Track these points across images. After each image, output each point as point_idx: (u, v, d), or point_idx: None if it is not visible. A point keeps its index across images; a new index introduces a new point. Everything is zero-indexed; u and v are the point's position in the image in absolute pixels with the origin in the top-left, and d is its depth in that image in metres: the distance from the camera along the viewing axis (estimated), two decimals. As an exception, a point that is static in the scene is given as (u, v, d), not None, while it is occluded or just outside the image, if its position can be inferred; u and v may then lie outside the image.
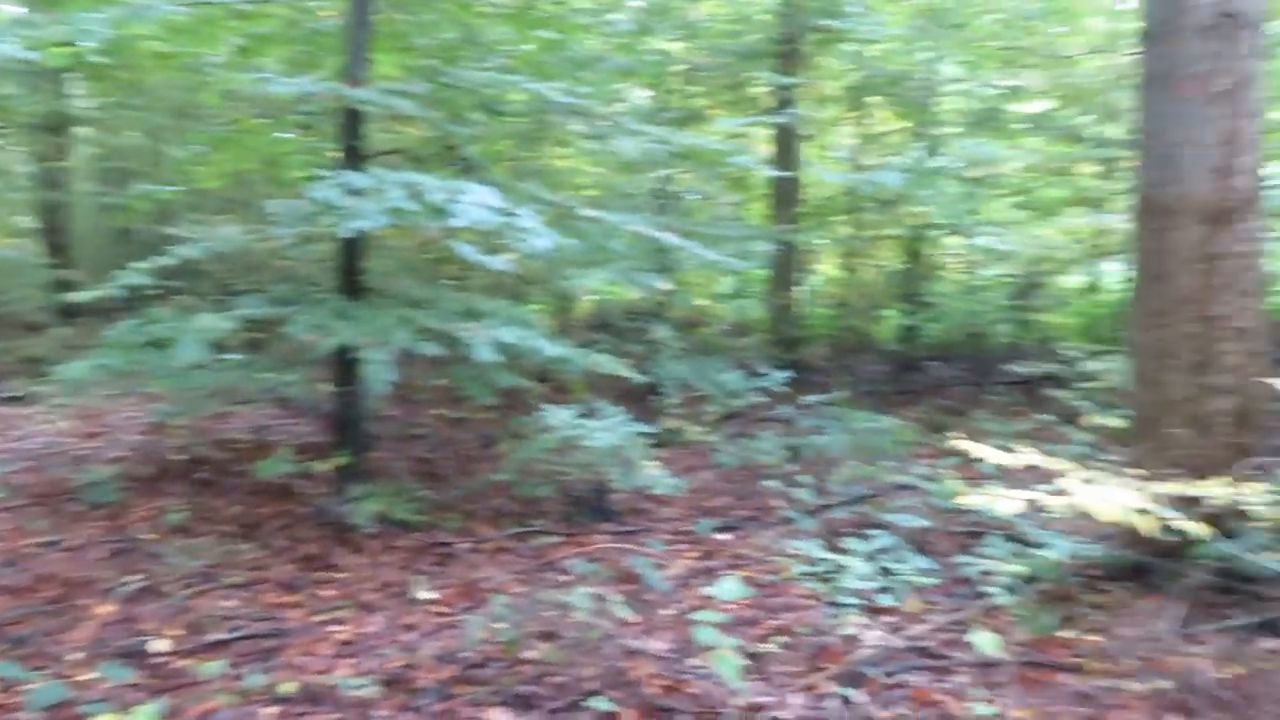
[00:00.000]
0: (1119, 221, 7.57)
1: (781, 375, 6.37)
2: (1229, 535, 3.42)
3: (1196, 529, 3.06)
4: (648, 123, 6.41)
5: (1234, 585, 3.50)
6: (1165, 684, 3.06)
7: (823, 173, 9.06)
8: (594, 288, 8.16)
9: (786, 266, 9.27)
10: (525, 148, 7.49)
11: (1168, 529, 3.05)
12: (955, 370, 9.00)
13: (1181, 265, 3.76)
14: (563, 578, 4.09)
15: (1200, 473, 3.44)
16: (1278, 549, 3.35)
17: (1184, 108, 3.72)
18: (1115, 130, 8.25)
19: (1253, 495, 3.20)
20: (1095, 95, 8.03)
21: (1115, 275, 8.84)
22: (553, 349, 4.59)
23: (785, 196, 9.15)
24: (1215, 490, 3.22)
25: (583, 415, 4.94)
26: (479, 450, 6.21)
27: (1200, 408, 3.73)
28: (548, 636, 3.39)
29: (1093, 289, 9.33)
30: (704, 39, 8.99)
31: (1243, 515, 3.31)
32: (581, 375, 5.61)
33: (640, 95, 9.39)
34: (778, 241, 8.55)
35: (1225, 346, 3.72)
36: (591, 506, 4.93)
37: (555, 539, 4.65)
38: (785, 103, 8.35)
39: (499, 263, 4.22)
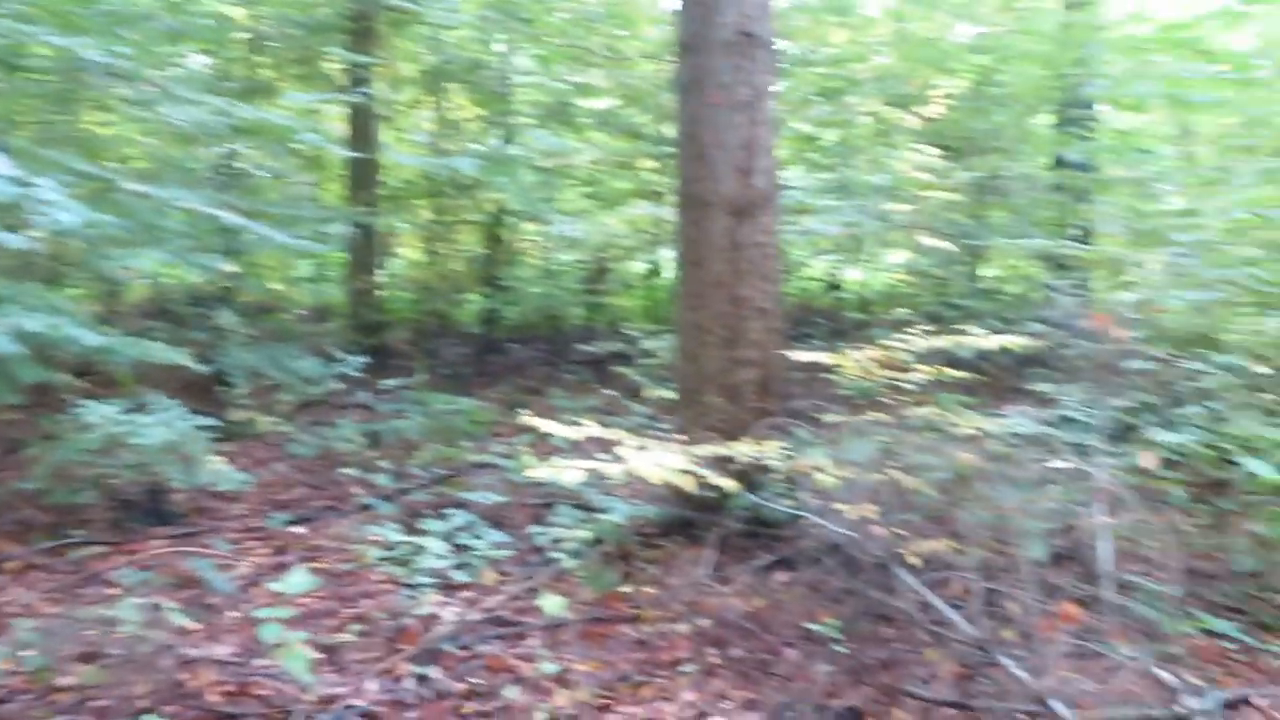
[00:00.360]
0: (672, 213, 8.35)
1: (360, 360, 6.23)
2: (754, 488, 3.94)
3: (728, 484, 3.47)
4: (206, 92, 5.91)
5: (758, 530, 4.05)
6: (705, 622, 3.47)
7: (399, 155, 8.96)
8: (146, 270, 7.38)
9: (366, 250, 9.06)
10: (55, 111, 6.56)
11: (706, 486, 3.42)
12: (533, 351, 9.38)
13: (714, 253, 4.25)
14: (109, 591, 3.68)
15: (732, 435, 3.92)
16: (791, 496, 3.92)
17: (713, 114, 4.19)
18: (669, 129, 9.06)
19: (771, 452, 3.70)
20: (651, 97, 8.75)
21: (671, 261, 9.75)
22: (94, 338, 4.10)
23: (363, 178, 8.93)
24: (742, 449, 3.68)
25: (132, 410, 4.47)
26: (0, 457, 5.37)
27: (731, 378, 4.25)
28: (89, 657, 3.04)
29: (653, 274, 10.19)
30: (269, 6, 8.46)
31: (764, 469, 3.84)
32: (131, 367, 5.07)
33: (198, 62, 8.61)
34: (356, 224, 8.33)
35: (750, 324, 4.27)
36: (145, 510, 4.48)
37: (100, 549, 4.17)
38: (360, 81, 8.12)
39: (18, 240, 3.68)
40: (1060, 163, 7.99)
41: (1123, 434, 4.03)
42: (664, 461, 3.42)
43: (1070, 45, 7.23)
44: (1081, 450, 3.56)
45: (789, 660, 3.20)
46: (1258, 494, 4.13)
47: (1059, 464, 3.40)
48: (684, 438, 3.93)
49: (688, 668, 3.19)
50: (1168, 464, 3.86)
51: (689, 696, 3.02)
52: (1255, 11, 6.42)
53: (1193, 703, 2.79)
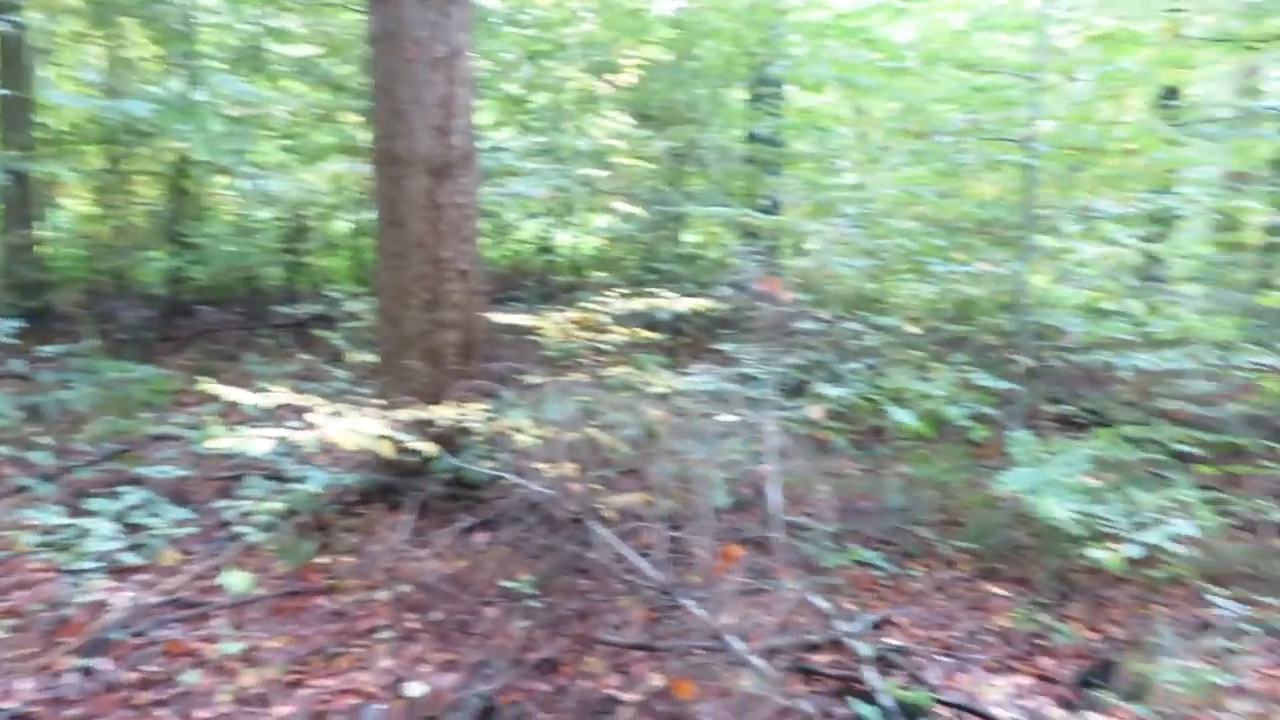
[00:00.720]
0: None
1: (14, 325, 5.52)
2: (456, 450, 3.94)
3: (428, 448, 3.44)
4: None
5: (460, 493, 4.06)
6: (405, 588, 3.44)
7: (60, 95, 7.98)
8: None
9: (23, 201, 8.02)
10: None
11: (407, 451, 3.37)
12: (227, 314, 8.78)
13: (413, 213, 4.16)
14: None
15: (433, 398, 3.88)
16: (492, 458, 3.95)
17: (409, 69, 4.08)
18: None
19: (472, 414, 3.71)
20: (353, 47, 8.35)
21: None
22: None
23: (15, 119, 7.88)
24: (444, 412, 3.66)
25: None
26: None
27: (432, 340, 4.20)
28: None
29: (359, 233, 9.80)
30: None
31: (466, 432, 3.84)
32: None
33: None
34: (8, 170, 7.34)
35: (451, 286, 4.23)
36: None
37: None
38: (6, 7, 7.13)
39: None
40: (752, 137, 8.53)
41: (796, 389, 4.41)
42: (360, 427, 3.33)
43: (757, 25, 7.70)
44: (758, 404, 3.86)
45: (488, 619, 3.25)
46: (907, 439, 4.68)
47: (737, 418, 3.67)
48: (382, 402, 3.84)
49: (385, 634, 3.15)
50: (834, 415, 4.28)
51: (386, 663, 2.99)
52: (912, 8, 7.18)
53: (845, 626, 3.14)
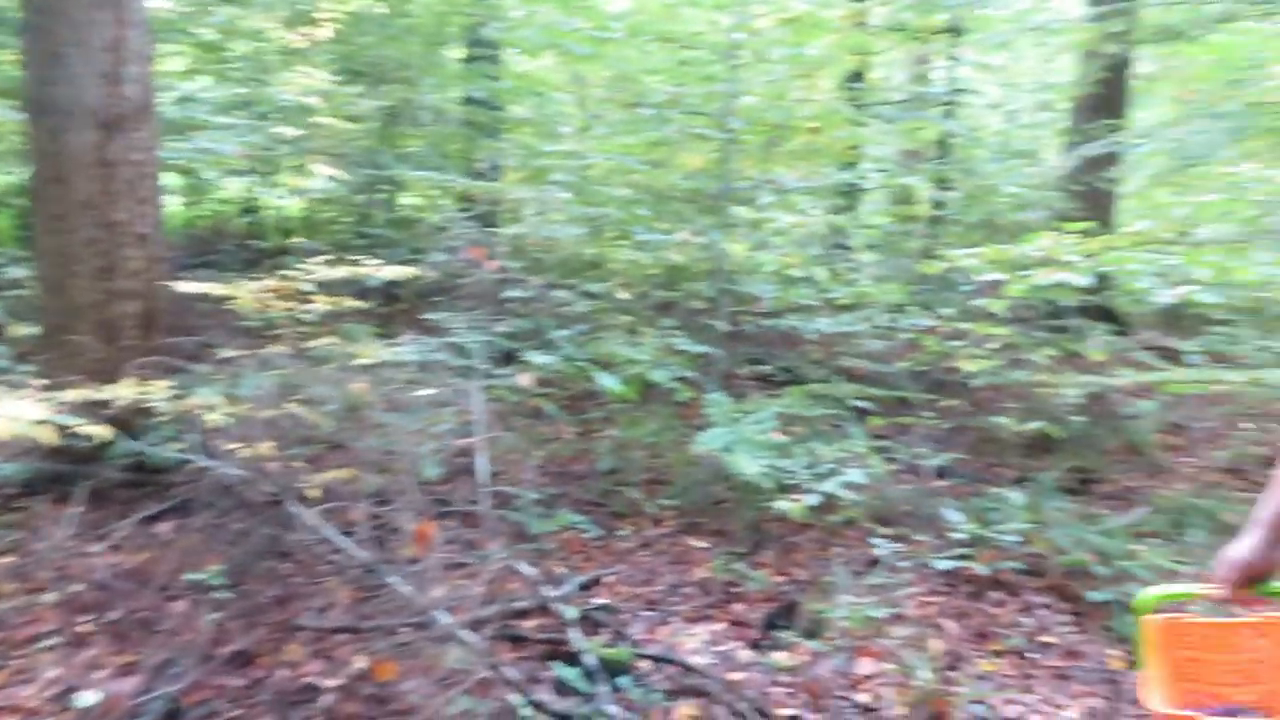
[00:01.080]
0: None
1: None
2: (137, 433, 3.61)
3: (101, 432, 3.12)
4: None
5: (143, 479, 3.73)
6: (77, 587, 3.12)
7: None
8: None
9: None
10: None
11: (77, 436, 3.04)
12: None
13: (79, 170, 3.74)
14: None
15: (108, 376, 3.52)
16: (180, 439, 3.65)
17: (68, 6, 3.65)
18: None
19: (156, 393, 3.40)
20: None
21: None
22: None
23: None
24: (121, 391, 3.33)
25: None
26: None
27: (106, 312, 3.81)
28: None
29: (21, 191, 8.67)
30: None
31: (148, 413, 3.52)
32: None
33: None
34: None
35: (128, 252, 3.86)
36: None
37: None
38: None
39: None
40: (469, 99, 8.36)
41: (507, 357, 4.42)
42: (13, 412, 2.98)
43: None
44: (468, 374, 3.83)
45: (174, 614, 3.02)
46: (618, 403, 4.83)
47: (444, 388, 3.62)
48: (45, 381, 3.44)
49: (51, 641, 2.84)
50: (545, 382, 4.33)
51: (53, 673, 2.70)
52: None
53: (552, 590, 3.20)
